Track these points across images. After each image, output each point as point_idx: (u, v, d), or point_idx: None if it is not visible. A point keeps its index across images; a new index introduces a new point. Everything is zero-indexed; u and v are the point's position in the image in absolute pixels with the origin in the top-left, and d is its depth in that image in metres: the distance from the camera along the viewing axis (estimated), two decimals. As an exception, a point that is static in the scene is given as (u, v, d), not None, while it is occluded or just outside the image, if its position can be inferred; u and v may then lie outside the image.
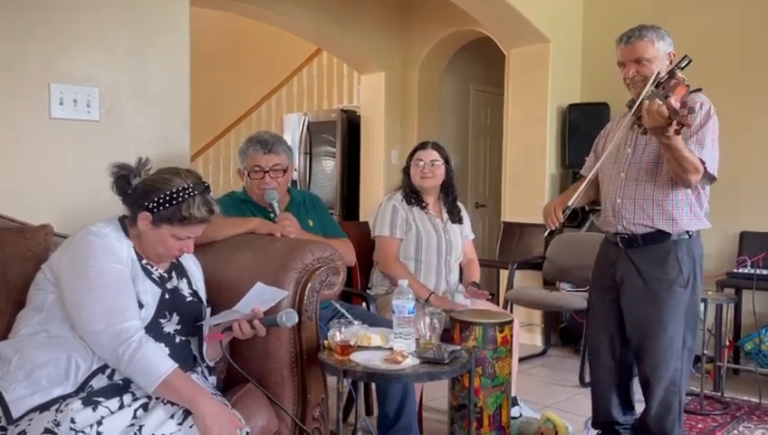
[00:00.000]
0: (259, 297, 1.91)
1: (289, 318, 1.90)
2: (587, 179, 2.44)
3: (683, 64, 2.29)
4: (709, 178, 2.35)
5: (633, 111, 2.30)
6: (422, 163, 3.07)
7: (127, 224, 1.88)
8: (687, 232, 2.40)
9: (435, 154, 3.09)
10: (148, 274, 1.86)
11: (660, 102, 2.09)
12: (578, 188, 2.43)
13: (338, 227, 2.83)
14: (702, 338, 3.51)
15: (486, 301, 3.09)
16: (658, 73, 2.30)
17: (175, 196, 1.81)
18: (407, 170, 3.13)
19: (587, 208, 4.32)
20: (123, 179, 1.87)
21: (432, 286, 3.04)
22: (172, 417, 1.67)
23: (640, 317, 2.44)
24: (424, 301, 2.84)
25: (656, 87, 2.24)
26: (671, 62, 2.38)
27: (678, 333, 2.39)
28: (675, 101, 2.11)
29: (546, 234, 2.48)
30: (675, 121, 2.06)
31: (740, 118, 4.14)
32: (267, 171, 2.57)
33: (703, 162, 2.26)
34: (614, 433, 2.70)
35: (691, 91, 2.32)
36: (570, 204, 2.38)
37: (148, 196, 1.82)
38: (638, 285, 2.44)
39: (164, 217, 1.81)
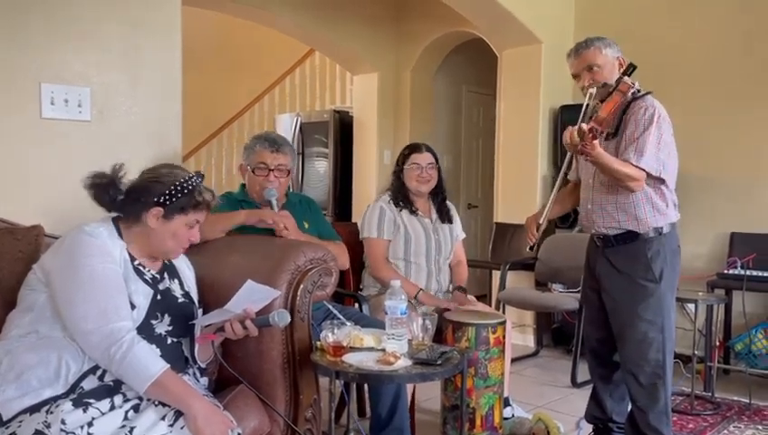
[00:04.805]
0: (250, 296, 1.91)
1: (281, 318, 1.90)
2: (552, 196, 2.54)
3: (629, 71, 2.40)
4: (658, 180, 2.43)
5: (581, 120, 2.44)
6: (419, 167, 3.04)
7: (120, 225, 1.87)
8: (657, 229, 2.48)
9: (430, 157, 3.07)
10: (141, 275, 1.86)
11: (573, 129, 2.26)
12: (549, 203, 2.55)
13: (332, 231, 2.83)
14: (692, 339, 3.54)
15: (477, 302, 3.10)
16: (598, 85, 2.43)
17: (185, 185, 1.85)
18: (398, 173, 3.09)
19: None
20: (111, 187, 1.83)
21: (422, 287, 3.03)
22: (163, 418, 1.67)
23: (617, 310, 2.55)
24: (412, 298, 2.84)
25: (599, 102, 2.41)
26: (621, 67, 2.50)
27: (653, 326, 2.47)
28: (597, 119, 2.26)
29: (527, 249, 2.59)
30: (578, 151, 2.25)
31: (731, 120, 4.16)
32: (272, 169, 2.57)
33: (644, 169, 2.35)
34: (607, 430, 2.75)
35: (636, 98, 2.45)
36: (540, 221, 2.51)
37: (154, 191, 1.83)
38: (613, 280, 2.55)
39: (177, 206, 1.84)
